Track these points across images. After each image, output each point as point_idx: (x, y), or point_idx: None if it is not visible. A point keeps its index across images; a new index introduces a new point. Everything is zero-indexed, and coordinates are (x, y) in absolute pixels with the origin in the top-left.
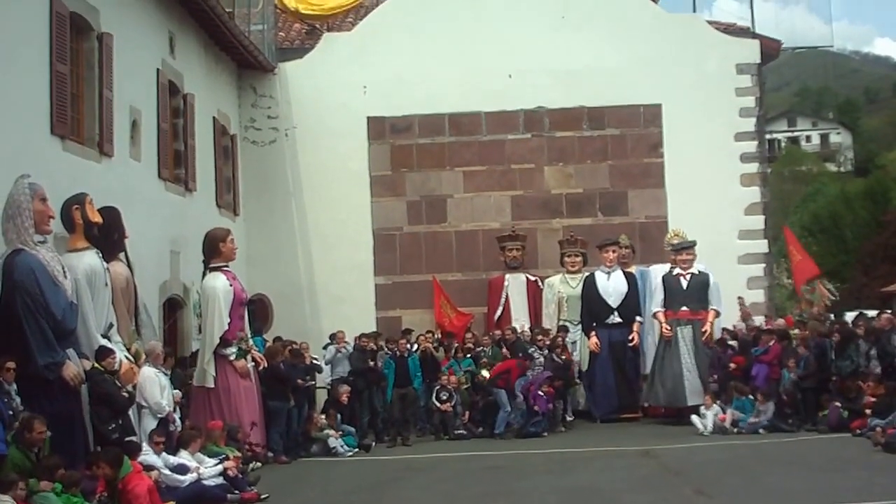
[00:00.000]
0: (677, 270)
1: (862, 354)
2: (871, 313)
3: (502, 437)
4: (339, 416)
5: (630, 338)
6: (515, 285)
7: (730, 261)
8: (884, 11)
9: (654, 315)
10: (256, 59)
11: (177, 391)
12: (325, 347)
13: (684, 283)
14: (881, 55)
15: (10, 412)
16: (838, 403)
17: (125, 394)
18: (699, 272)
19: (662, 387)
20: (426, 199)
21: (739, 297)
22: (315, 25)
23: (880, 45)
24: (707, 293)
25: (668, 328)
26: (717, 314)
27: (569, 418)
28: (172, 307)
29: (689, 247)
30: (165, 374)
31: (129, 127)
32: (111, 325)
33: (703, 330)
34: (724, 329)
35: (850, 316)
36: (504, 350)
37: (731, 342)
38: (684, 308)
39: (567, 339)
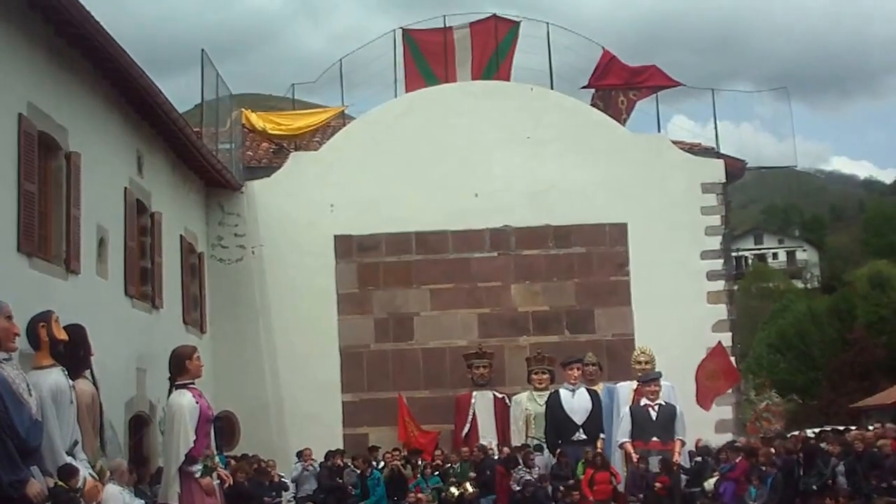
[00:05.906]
0: (644, 401)
1: (829, 470)
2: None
3: None
4: None
5: None
6: (483, 402)
7: None
8: (838, 130)
9: (621, 445)
10: (224, 177)
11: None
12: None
13: (653, 415)
14: (846, 173)
15: None
16: None
17: None
18: (666, 403)
19: None
20: (393, 316)
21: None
22: (282, 145)
23: (837, 163)
24: (674, 423)
25: (640, 458)
26: (683, 444)
27: None
28: (138, 424)
29: (655, 378)
30: (130, 492)
31: (96, 245)
32: (76, 443)
33: (675, 461)
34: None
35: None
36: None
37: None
38: (655, 438)
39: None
